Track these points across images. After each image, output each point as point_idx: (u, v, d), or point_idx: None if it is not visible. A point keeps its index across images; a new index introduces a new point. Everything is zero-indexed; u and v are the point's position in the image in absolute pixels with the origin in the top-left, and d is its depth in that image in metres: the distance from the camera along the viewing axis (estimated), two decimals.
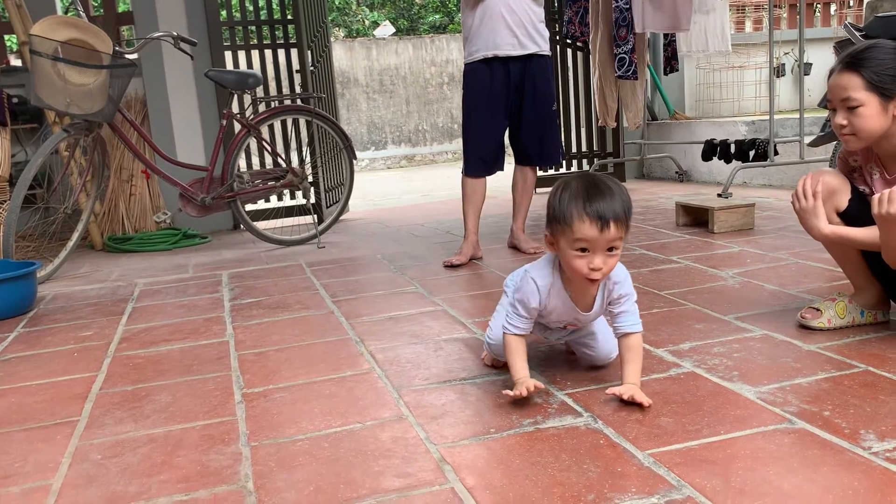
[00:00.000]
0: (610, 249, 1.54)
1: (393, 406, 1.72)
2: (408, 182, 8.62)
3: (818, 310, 2.06)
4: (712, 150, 4.95)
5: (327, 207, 4.94)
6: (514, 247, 3.55)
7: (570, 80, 5.98)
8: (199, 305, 2.91)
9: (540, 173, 5.36)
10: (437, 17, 15.14)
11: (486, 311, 2.50)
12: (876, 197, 1.77)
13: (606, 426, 1.53)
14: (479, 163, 3.40)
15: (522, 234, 3.54)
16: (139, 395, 1.94)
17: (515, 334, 1.69)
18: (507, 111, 3.37)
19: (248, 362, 2.14)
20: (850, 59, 1.83)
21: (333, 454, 1.49)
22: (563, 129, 5.89)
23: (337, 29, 14.31)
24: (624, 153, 6.09)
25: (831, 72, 1.90)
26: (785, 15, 7.62)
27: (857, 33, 2.93)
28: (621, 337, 1.68)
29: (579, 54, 5.96)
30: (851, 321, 2.04)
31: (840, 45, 3.08)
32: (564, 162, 6.01)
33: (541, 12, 3.33)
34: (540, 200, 5.24)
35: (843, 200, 1.96)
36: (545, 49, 3.34)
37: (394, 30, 13.16)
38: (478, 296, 2.74)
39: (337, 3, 14.31)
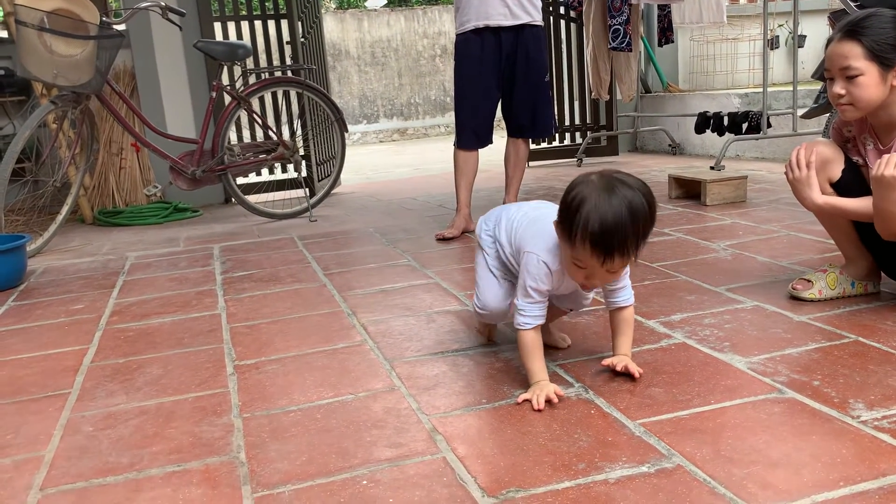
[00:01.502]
0: (611, 272, 1.46)
1: (385, 377, 1.73)
2: (400, 156, 8.57)
3: (809, 281, 2.06)
4: (705, 122, 4.93)
5: (319, 181, 4.91)
6: None
7: (563, 52, 5.93)
8: (190, 278, 2.90)
9: (532, 146, 5.34)
10: None
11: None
12: (881, 159, 1.77)
13: (597, 396, 1.53)
14: (471, 135, 3.38)
15: None
16: (131, 368, 1.93)
17: (533, 327, 1.57)
18: (499, 82, 3.34)
19: (239, 335, 2.13)
20: (851, 28, 1.81)
21: (325, 425, 1.50)
22: (555, 101, 5.85)
23: (328, 0, 14.14)
24: (617, 126, 6.06)
25: (829, 41, 1.88)
26: None
27: (853, 3, 2.90)
28: (615, 310, 1.63)
29: (572, 25, 5.90)
30: (842, 292, 2.05)
31: (835, 16, 3.06)
32: (557, 135, 5.98)
33: None
34: (532, 173, 5.24)
35: (837, 171, 1.96)
36: (537, 19, 3.31)
37: (385, 1, 13.00)
38: (470, 269, 2.74)
39: None
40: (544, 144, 5.95)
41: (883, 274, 2.09)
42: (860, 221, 1.96)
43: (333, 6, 14.00)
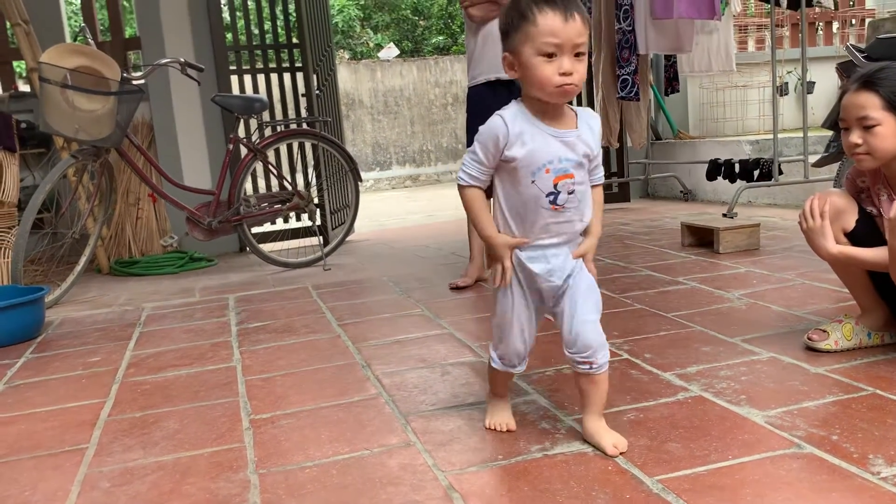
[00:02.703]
0: (577, 55, 1.41)
1: (400, 432, 1.72)
2: (412, 202, 8.64)
3: (825, 331, 2.06)
4: (717, 169, 4.96)
5: (333, 229, 4.96)
6: None
7: (573, 102, 6.01)
8: (206, 330, 2.92)
9: None
10: (440, 38, 15.27)
11: (492, 334, 2.50)
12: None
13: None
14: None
15: None
16: (147, 422, 1.94)
17: (471, 185, 1.52)
18: None
19: (255, 388, 2.14)
20: (867, 79, 1.84)
21: (342, 482, 1.49)
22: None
23: (342, 51, 14.44)
24: (628, 173, 6.10)
25: (844, 91, 1.91)
26: (787, 34, 7.66)
27: (860, 55, 2.94)
28: (592, 188, 1.57)
29: None
30: (858, 343, 2.04)
31: (843, 67, 3.10)
32: None
33: None
34: None
35: (851, 221, 1.97)
36: None
37: (398, 52, 13.27)
38: (484, 318, 2.75)
39: (341, 25, 14.44)
40: None
41: None
42: (875, 271, 1.96)
43: (347, 57, 14.29)
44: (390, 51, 13.01)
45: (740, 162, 4.82)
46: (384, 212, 7.58)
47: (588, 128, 1.51)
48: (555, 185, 1.47)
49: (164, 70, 4.69)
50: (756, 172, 4.67)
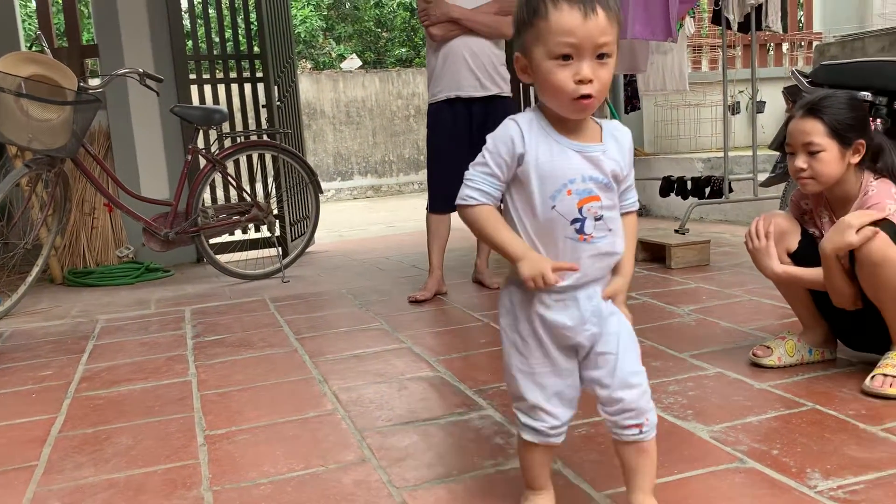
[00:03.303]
0: (600, 57, 1.17)
1: (356, 448, 1.74)
2: (374, 213, 8.66)
3: (769, 347, 2.13)
4: (669, 186, 5.08)
5: (292, 240, 4.95)
6: (479, 282, 3.60)
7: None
8: (161, 343, 2.89)
9: None
10: (403, 50, 15.32)
11: (450, 348, 2.54)
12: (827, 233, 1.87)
13: (566, 467, 1.56)
14: (443, 199, 3.45)
15: (486, 270, 3.59)
16: (100, 438, 1.92)
17: (481, 203, 1.23)
18: (470, 150, 3.41)
19: (210, 403, 2.14)
20: (812, 106, 1.93)
21: (296, 499, 1.50)
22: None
23: (303, 61, 14.40)
24: None
25: (790, 117, 2.00)
26: (739, 54, 7.88)
27: (804, 80, 3.06)
28: (623, 215, 1.31)
29: None
30: (800, 359, 2.12)
31: (789, 90, 3.22)
32: None
33: (502, 55, 3.42)
34: None
35: (794, 242, 2.05)
36: (506, 90, 3.43)
37: (360, 63, 13.29)
38: (442, 332, 2.78)
39: (304, 36, 14.41)
40: None
41: (839, 341, 2.17)
42: (816, 290, 2.04)
43: (310, 67, 14.26)
44: (353, 62, 13.03)
45: (692, 179, 4.94)
46: (345, 222, 7.57)
47: (615, 142, 1.26)
48: (579, 210, 1.21)
49: (123, 78, 4.64)
50: (707, 189, 4.80)
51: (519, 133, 1.22)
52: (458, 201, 1.25)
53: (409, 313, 3.11)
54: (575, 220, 1.22)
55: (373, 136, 11.78)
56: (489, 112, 3.38)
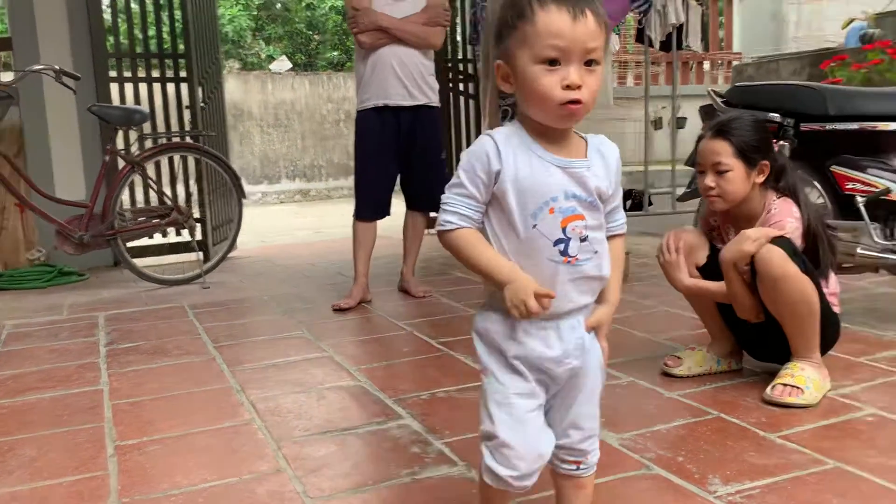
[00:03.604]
0: (588, 63, 1.10)
1: (271, 458, 1.72)
2: (301, 217, 8.56)
3: (679, 358, 2.22)
4: None
5: (214, 245, 4.85)
6: (404, 290, 3.61)
7: (462, 126, 6.16)
8: (72, 350, 2.79)
9: (434, 214, 5.47)
10: (335, 54, 15.23)
11: (372, 357, 2.54)
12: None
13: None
14: (369, 208, 3.45)
15: (412, 278, 3.61)
16: (2, 450, 1.84)
17: (460, 227, 1.14)
18: (397, 159, 3.45)
19: (122, 412, 2.08)
20: (720, 128, 2.03)
21: None
22: (454, 173, 6.04)
23: (231, 61, 14.14)
24: None
25: (700, 137, 2.09)
26: (663, 71, 8.16)
27: (719, 100, 3.19)
28: (609, 238, 1.22)
29: (471, 102, 6.16)
30: (709, 369, 2.21)
31: (704, 110, 3.35)
32: None
33: (431, 65, 3.45)
34: (433, 241, 5.35)
35: (702, 256, 2.15)
36: (434, 101, 3.46)
37: (290, 65, 13.14)
38: (366, 341, 2.77)
39: (231, 35, 14.15)
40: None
41: (745, 352, 2.27)
42: (723, 303, 2.14)
43: (237, 67, 14.01)
44: (282, 63, 12.87)
45: None
46: (271, 227, 7.46)
47: (601, 158, 1.18)
48: (563, 230, 1.13)
49: (38, 74, 4.46)
50: (629, 202, 4.94)
51: (494, 148, 1.13)
52: (437, 227, 1.16)
53: (333, 321, 3.10)
54: (559, 241, 1.13)
55: (302, 139, 11.65)
56: (417, 121, 3.41)
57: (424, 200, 3.55)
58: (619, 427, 1.82)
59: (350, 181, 11.67)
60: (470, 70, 5.92)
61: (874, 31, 3.70)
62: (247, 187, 9.24)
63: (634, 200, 4.90)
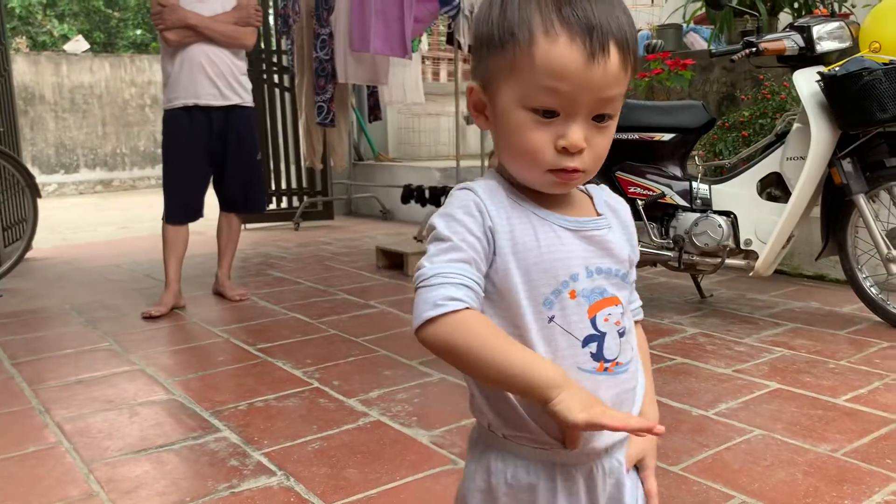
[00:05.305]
0: (600, 118, 0.77)
1: (82, 483, 1.68)
2: (104, 211, 8.03)
3: None
4: (409, 194, 5.38)
5: (6, 247, 4.46)
6: (219, 293, 3.55)
7: (278, 120, 6.09)
8: None
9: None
10: (138, 32, 14.32)
11: (186, 367, 2.50)
12: None
13: (298, 482, 1.66)
14: (180, 210, 3.36)
15: (228, 282, 3.56)
16: None
17: (468, 306, 0.74)
18: (209, 159, 3.37)
19: None
20: None
21: None
22: (272, 167, 5.98)
23: (19, 38, 12.85)
24: (332, 192, 6.34)
25: None
26: None
27: None
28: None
29: (287, 95, 6.10)
30: None
31: None
32: (274, 199, 6.09)
33: (243, 65, 3.40)
34: (249, 237, 5.27)
35: None
36: (248, 101, 3.42)
37: (88, 45, 12.17)
38: (179, 351, 2.72)
39: (19, 11, 12.86)
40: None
41: None
42: None
43: (27, 46, 12.77)
44: (79, 44, 11.89)
45: (430, 188, 5.29)
46: (70, 222, 6.94)
47: (615, 216, 0.87)
48: (592, 321, 0.79)
49: None
50: (443, 198, 5.16)
51: (480, 203, 0.79)
52: (433, 311, 0.74)
53: (143, 331, 3.00)
54: (589, 339, 0.79)
55: (102, 125, 10.88)
56: (230, 122, 3.35)
57: (239, 202, 3.51)
58: (429, 424, 1.96)
59: (158, 170, 11.12)
60: (285, 62, 5.86)
61: (657, 42, 4.11)
62: (40, 177, 8.52)
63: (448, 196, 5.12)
